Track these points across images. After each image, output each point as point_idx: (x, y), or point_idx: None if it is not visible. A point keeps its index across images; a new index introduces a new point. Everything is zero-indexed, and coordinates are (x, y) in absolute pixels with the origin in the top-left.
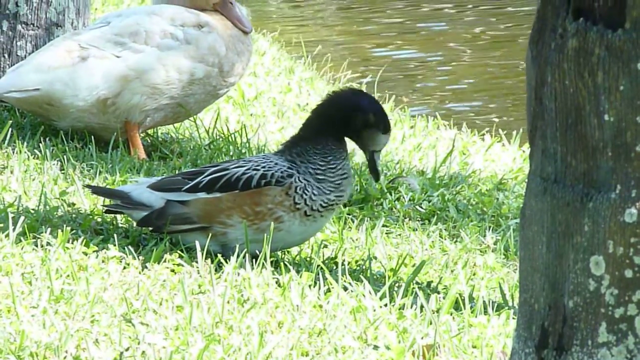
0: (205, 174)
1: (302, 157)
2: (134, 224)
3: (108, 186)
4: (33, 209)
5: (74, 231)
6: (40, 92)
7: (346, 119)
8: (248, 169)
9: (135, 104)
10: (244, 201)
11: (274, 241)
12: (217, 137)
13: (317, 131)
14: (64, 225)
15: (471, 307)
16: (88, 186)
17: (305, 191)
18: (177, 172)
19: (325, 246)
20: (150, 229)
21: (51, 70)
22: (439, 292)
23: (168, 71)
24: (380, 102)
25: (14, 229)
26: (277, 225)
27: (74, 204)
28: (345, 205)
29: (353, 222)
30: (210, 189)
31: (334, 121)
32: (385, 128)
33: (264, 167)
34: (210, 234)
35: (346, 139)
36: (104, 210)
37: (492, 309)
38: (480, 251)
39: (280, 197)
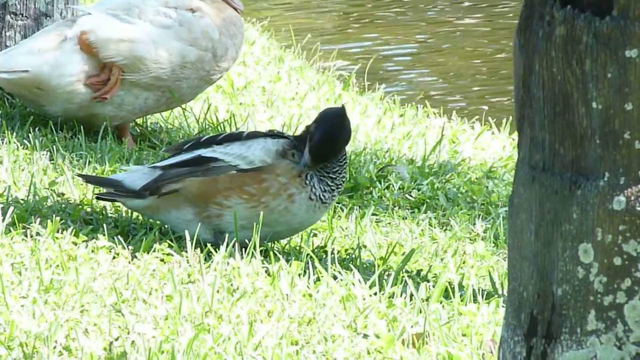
0: (202, 138)
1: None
2: (123, 214)
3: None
4: (22, 199)
5: (64, 221)
6: (30, 74)
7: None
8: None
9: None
10: (244, 181)
11: (279, 224)
12: (207, 127)
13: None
14: (54, 215)
15: (461, 296)
16: (80, 175)
17: (309, 175)
18: None
19: (315, 235)
20: (147, 192)
21: (41, 52)
22: (428, 281)
23: (157, 49)
24: (341, 132)
25: (3, 220)
26: (287, 205)
27: (63, 194)
28: None
29: (342, 210)
30: (211, 143)
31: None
32: (310, 147)
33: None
34: (202, 213)
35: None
36: (96, 197)
37: (482, 297)
38: (470, 239)
39: (291, 173)
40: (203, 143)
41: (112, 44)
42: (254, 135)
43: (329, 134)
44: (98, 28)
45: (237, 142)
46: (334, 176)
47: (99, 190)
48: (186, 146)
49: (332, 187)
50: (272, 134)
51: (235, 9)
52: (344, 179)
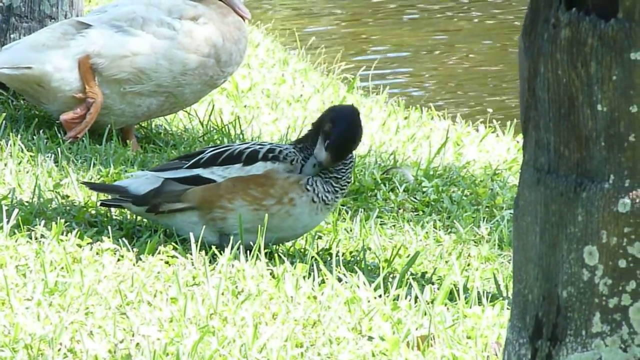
0: (206, 152)
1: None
2: (128, 216)
3: (102, 179)
4: (27, 202)
5: (68, 223)
6: (32, 71)
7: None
8: (252, 144)
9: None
10: (247, 185)
11: (281, 229)
12: (211, 129)
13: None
14: (58, 218)
15: (465, 298)
16: (85, 183)
17: (311, 179)
18: None
19: (320, 237)
20: (146, 207)
21: (45, 49)
22: (433, 283)
23: (158, 58)
24: (358, 130)
25: (7, 222)
26: (288, 209)
27: (68, 197)
28: None
29: (347, 213)
30: (211, 164)
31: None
32: (329, 146)
33: (270, 144)
34: (207, 216)
35: None
36: (100, 204)
37: (487, 299)
38: (475, 242)
39: (288, 181)
40: (204, 163)
41: (114, 62)
42: (254, 157)
43: (347, 133)
44: (101, 48)
45: (236, 166)
46: (339, 176)
47: (105, 197)
48: (188, 163)
49: (337, 188)
50: (271, 155)
51: (242, 17)
52: (349, 180)
